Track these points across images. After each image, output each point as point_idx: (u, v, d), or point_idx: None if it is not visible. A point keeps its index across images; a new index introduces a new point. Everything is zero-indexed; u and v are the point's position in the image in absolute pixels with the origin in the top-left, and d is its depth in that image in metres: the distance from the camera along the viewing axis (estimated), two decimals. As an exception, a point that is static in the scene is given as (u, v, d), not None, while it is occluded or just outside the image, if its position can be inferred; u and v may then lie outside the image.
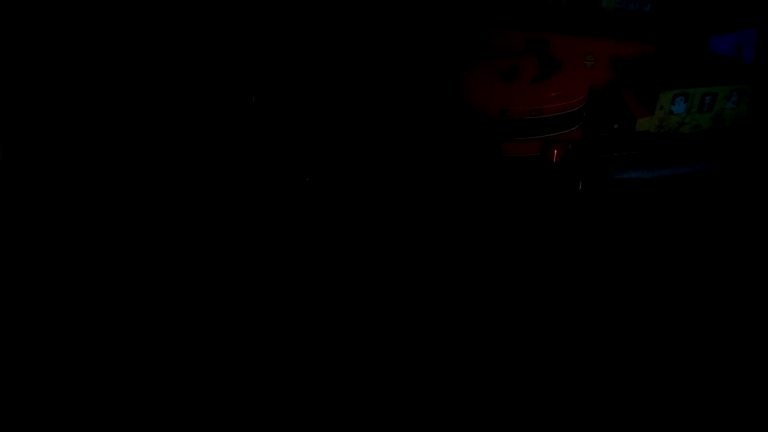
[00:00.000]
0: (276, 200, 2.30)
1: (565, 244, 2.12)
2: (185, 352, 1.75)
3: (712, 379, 1.68)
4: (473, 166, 2.42)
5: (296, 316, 1.86)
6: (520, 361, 1.74)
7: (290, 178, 2.37)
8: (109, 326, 1.81)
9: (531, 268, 2.03)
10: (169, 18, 2.45)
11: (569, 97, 2.28)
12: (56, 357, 1.72)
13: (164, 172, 2.37)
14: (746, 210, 2.21)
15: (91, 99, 2.44)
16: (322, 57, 2.66)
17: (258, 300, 1.92)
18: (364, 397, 1.63)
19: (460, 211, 2.25)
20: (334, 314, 1.87)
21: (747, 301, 1.89)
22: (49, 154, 2.35)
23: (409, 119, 2.59)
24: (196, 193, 2.32)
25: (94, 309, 1.86)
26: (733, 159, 2.41)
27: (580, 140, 2.48)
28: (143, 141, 2.45)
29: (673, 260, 2.04)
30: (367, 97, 2.65)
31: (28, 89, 2.37)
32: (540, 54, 2.47)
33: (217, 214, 2.25)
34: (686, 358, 1.74)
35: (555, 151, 2.37)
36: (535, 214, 2.23)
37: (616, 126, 2.56)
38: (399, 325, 1.84)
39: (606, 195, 2.31)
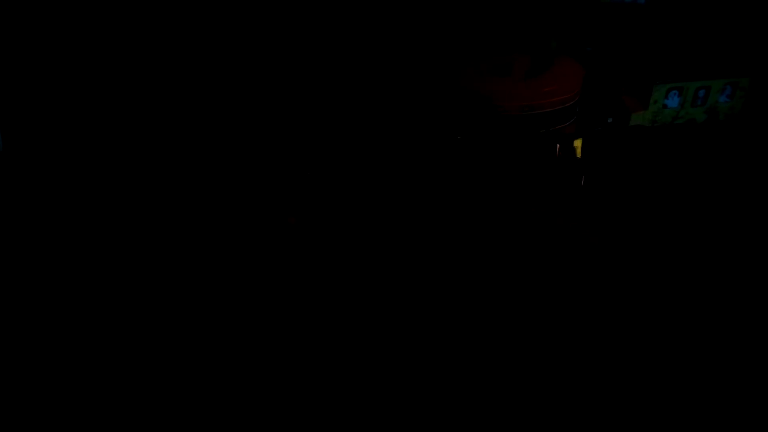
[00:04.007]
0: (278, 196, 2.32)
1: (565, 240, 2.13)
2: (186, 351, 1.78)
3: (710, 380, 1.69)
4: (473, 162, 2.44)
5: (296, 315, 1.89)
6: (522, 358, 1.75)
7: (292, 174, 2.40)
8: (108, 322, 1.85)
9: (532, 265, 2.04)
10: (171, 14, 2.48)
11: (560, 93, 2.29)
12: (54, 353, 1.76)
13: (166, 166, 2.41)
14: (750, 209, 2.20)
15: (92, 91, 2.48)
16: (324, 57, 2.68)
17: (259, 298, 1.95)
18: (364, 397, 1.65)
19: (460, 207, 2.27)
20: (335, 312, 1.89)
21: (747, 302, 1.89)
22: (50, 144, 2.39)
23: (407, 116, 2.60)
24: (196, 187, 2.35)
25: (93, 304, 1.90)
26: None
27: (577, 135, 2.49)
28: (145, 134, 2.49)
29: (676, 258, 2.04)
30: (365, 94, 2.67)
31: (30, 81, 2.41)
32: (534, 51, 2.48)
33: (219, 208, 2.28)
34: (685, 357, 1.74)
35: (557, 146, 2.38)
36: (537, 209, 2.24)
37: (610, 120, 2.57)
38: (400, 322, 1.86)
39: (609, 191, 2.31)
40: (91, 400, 1.65)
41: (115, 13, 2.40)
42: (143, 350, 1.77)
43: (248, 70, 2.56)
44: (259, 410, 1.62)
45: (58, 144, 2.39)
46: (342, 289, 1.96)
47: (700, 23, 2.58)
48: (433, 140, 2.47)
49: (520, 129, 2.33)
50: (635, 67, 2.56)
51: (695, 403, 1.62)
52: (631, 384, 1.67)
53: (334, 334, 1.82)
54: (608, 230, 2.16)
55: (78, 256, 2.05)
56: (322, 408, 1.62)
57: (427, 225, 2.20)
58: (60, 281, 1.97)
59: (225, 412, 1.61)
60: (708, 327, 1.82)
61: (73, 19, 2.37)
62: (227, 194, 2.30)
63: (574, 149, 2.39)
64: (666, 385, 1.67)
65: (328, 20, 2.57)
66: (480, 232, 2.18)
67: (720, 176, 2.35)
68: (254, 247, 2.12)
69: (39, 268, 2.02)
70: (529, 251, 2.10)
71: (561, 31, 2.56)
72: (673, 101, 2.48)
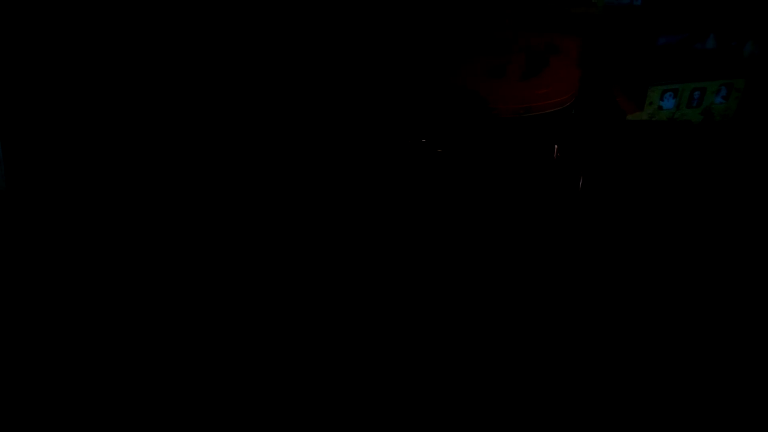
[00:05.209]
0: (277, 197, 2.32)
1: (564, 243, 2.13)
2: (186, 352, 1.78)
3: (710, 380, 1.69)
4: (470, 163, 2.43)
5: (296, 316, 1.89)
6: (522, 358, 1.75)
7: (291, 176, 2.39)
8: (111, 328, 1.85)
9: (531, 267, 2.04)
10: (168, 18, 2.47)
11: (556, 95, 2.28)
12: (55, 354, 1.76)
13: (165, 175, 2.39)
14: (749, 211, 2.20)
15: (96, 120, 2.45)
16: (321, 57, 2.67)
17: (258, 299, 1.95)
18: (365, 397, 1.65)
19: (460, 209, 2.26)
20: (335, 313, 1.89)
21: (745, 302, 1.89)
22: (53, 182, 2.37)
23: (404, 115, 2.60)
24: (198, 194, 2.34)
25: (97, 313, 1.90)
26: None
27: (577, 136, 2.48)
28: (144, 150, 2.47)
29: (673, 259, 2.04)
30: (363, 94, 2.65)
31: (32, 118, 2.38)
32: (529, 50, 2.47)
33: (219, 212, 2.27)
34: (685, 356, 1.74)
35: (555, 147, 2.37)
36: (535, 212, 2.24)
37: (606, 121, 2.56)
38: (399, 323, 1.86)
39: (607, 193, 2.31)
40: (91, 399, 1.65)
41: (116, 30, 2.37)
42: (142, 348, 1.77)
43: (237, 69, 2.54)
44: (258, 408, 1.62)
45: (62, 177, 2.36)
46: (341, 290, 1.96)
47: (696, 24, 2.58)
48: (429, 142, 2.46)
49: (516, 131, 2.32)
50: (630, 69, 2.56)
51: (695, 403, 1.62)
52: (631, 384, 1.67)
53: (333, 334, 1.82)
54: (607, 231, 2.16)
55: (81, 258, 2.05)
56: (322, 407, 1.62)
57: (425, 227, 2.19)
58: (61, 283, 1.96)
59: (225, 411, 1.61)
60: (706, 326, 1.82)
61: (74, 35, 2.34)
62: (226, 195, 2.29)
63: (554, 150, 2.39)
64: (666, 385, 1.67)
65: (319, 20, 2.56)
66: (478, 234, 2.17)
67: (716, 177, 2.35)
68: (253, 247, 2.12)
69: (40, 271, 2.02)
70: (527, 252, 2.10)
71: (558, 31, 2.55)
72: (669, 103, 2.48)
